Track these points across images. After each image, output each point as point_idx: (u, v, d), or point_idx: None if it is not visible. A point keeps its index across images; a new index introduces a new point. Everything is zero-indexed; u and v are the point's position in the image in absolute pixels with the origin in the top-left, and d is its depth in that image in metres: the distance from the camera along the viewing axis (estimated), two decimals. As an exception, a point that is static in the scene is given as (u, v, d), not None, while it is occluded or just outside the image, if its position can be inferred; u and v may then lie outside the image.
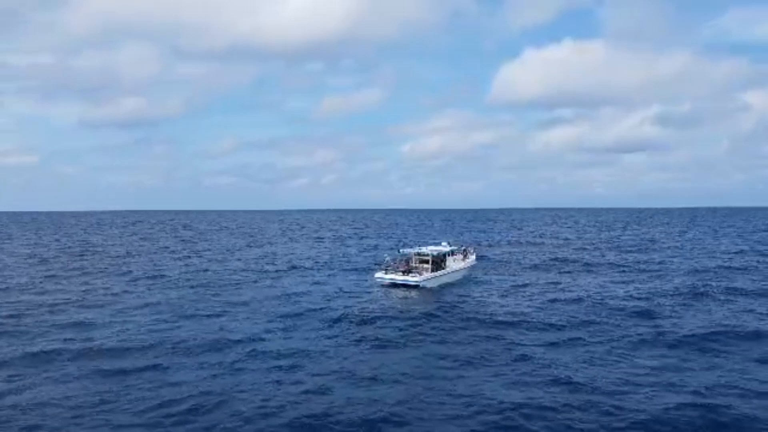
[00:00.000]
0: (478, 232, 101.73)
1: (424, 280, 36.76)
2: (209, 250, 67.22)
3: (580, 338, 22.16)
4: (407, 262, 39.40)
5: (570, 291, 33.81)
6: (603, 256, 54.41)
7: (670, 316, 25.81)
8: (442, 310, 28.84)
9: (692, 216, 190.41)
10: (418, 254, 39.51)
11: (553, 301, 30.65)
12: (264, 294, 34.53)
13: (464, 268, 41.90)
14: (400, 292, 35.08)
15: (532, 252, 59.41)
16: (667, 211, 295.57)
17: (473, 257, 44.65)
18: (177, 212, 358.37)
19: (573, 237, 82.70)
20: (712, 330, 22.35)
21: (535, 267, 46.12)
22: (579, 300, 30.50)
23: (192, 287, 37.04)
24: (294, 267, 48.95)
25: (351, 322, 26.22)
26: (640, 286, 35.35)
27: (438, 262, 38.98)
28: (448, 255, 40.52)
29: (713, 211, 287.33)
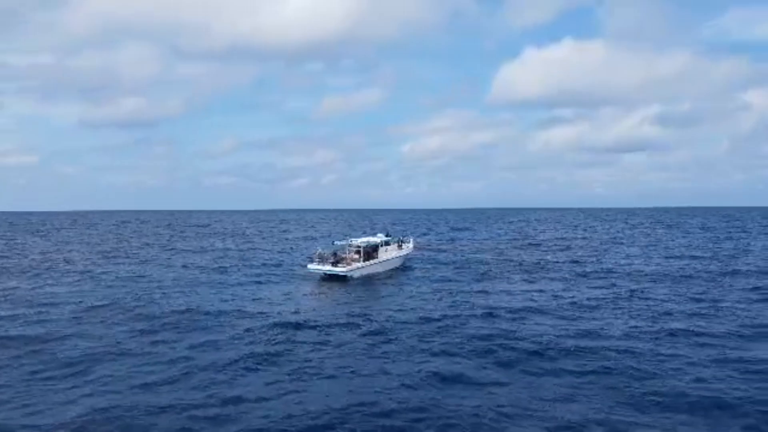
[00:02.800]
0: (458, 231, 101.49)
1: (351, 270, 37.16)
2: (171, 249, 67.03)
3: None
4: (335, 254, 39.64)
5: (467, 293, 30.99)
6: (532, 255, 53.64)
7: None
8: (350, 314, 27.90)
9: (687, 215, 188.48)
10: (350, 246, 40.07)
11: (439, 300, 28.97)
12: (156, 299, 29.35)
13: (397, 257, 42.90)
14: (324, 287, 34.52)
15: (479, 251, 58.75)
16: (666, 211, 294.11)
17: (409, 247, 45.78)
18: (178, 212, 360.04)
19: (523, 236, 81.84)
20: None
21: (460, 266, 44.02)
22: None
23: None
24: (246, 266, 48.44)
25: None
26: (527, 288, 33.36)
27: (369, 252, 39.65)
28: (381, 246, 41.14)
29: (713, 210, 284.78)
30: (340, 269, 37.01)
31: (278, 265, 44.31)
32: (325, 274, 37.34)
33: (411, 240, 48.13)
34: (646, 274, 35.70)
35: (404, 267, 42.99)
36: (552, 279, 34.99)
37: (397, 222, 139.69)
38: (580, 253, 51.34)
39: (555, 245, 61.10)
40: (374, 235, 46.22)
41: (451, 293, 30.20)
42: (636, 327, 20.74)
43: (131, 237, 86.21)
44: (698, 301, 26.38)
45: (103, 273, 39.97)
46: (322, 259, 38.79)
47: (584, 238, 72.54)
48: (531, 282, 33.83)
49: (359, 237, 44.69)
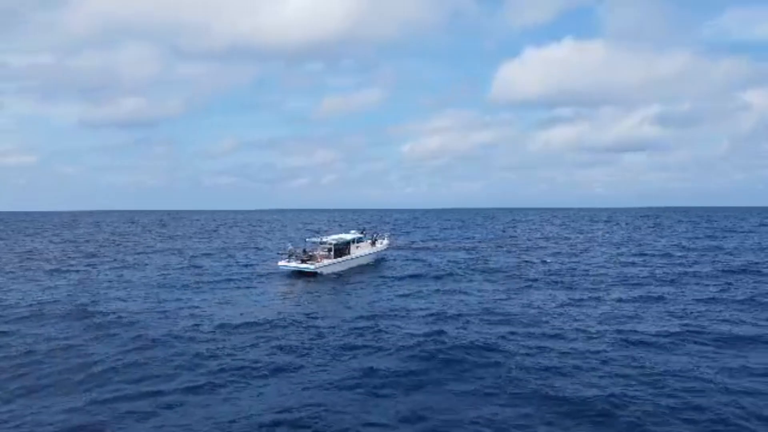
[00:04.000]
0: (447, 230, 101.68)
1: (320, 267, 37.85)
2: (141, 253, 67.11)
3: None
4: (305, 251, 40.26)
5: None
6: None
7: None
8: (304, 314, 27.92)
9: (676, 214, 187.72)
10: (322, 243, 40.91)
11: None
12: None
13: (369, 254, 43.75)
14: (289, 285, 34.77)
15: (458, 249, 58.99)
16: (664, 211, 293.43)
17: (383, 244, 46.69)
18: (178, 212, 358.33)
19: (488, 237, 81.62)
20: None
21: (431, 264, 44.02)
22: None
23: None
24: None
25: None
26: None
27: (341, 249, 40.53)
28: (352, 243, 41.90)
29: (714, 210, 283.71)
30: (308, 266, 37.51)
31: (248, 266, 44.34)
32: (294, 271, 37.80)
33: (385, 238, 48.97)
34: (607, 276, 35.53)
35: (377, 263, 43.52)
36: (513, 278, 34.87)
37: (390, 222, 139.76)
38: (552, 253, 51.40)
39: (534, 245, 61.21)
40: (348, 232, 46.69)
41: (408, 293, 30.18)
42: (583, 330, 20.82)
43: (115, 238, 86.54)
44: (643, 301, 26.51)
45: (67, 273, 40.28)
46: (293, 257, 39.41)
47: (566, 238, 72.76)
48: (492, 282, 33.76)
49: (332, 234, 45.15)
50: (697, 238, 72.14)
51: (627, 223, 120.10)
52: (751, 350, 17.33)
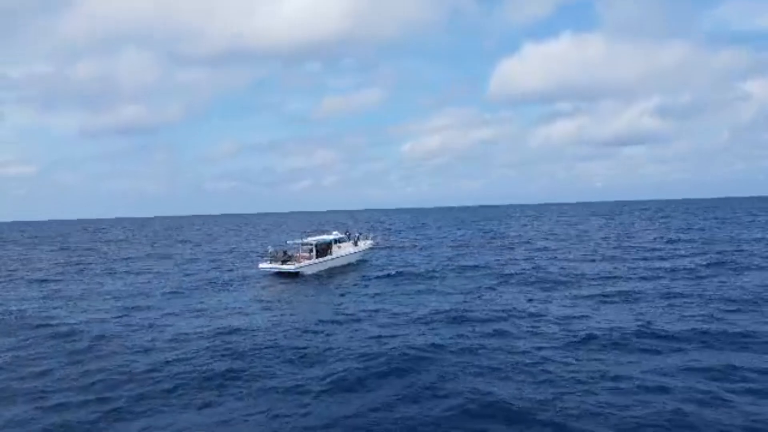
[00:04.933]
0: (436, 228, 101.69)
1: (301, 267, 38.34)
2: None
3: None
4: (285, 252, 40.83)
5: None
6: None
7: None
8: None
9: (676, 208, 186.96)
10: (303, 244, 41.49)
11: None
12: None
13: (352, 254, 44.32)
14: (267, 287, 34.87)
15: (437, 246, 58.86)
16: (667, 204, 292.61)
17: (366, 244, 47.14)
18: (180, 217, 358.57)
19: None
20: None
21: (409, 263, 44.29)
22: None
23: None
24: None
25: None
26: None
27: (323, 250, 41.18)
28: (333, 243, 42.44)
29: (715, 202, 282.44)
30: (289, 266, 37.94)
31: (231, 270, 44.37)
32: (276, 272, 38.28)
33: (369, 238, 49.58)
34: (584, 273, 35.21)
35: (360, 263, 43.86)
36: (490, 276, 34.73)
37: (384, 221, 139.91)
38: (537, 249, 51.24)
39: (521, 242, 61.03)
40: (329, 233, 46.91)
41: (381, 293, 30.13)
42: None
43: (104, 246, 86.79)
44: (607, 298, 26.32)
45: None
46: (273, 258, 39.76)
47: (555, 234, 72.60)
48: (468, 279, 33.61)
49: (315, 236, 45.38)
50: (689, 228, 72.04)
51: (623, 217, 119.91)
52: (697, 349, 17.14)
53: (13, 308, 29.04)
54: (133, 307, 28.29)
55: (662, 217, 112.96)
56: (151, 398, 14.50)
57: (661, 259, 40.82)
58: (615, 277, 32.74)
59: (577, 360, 16.06)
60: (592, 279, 32.37)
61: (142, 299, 30.85)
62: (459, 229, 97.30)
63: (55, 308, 28.69)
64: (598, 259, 42.32)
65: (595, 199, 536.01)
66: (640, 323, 20.33)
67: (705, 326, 19.50)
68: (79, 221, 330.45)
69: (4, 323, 25.15)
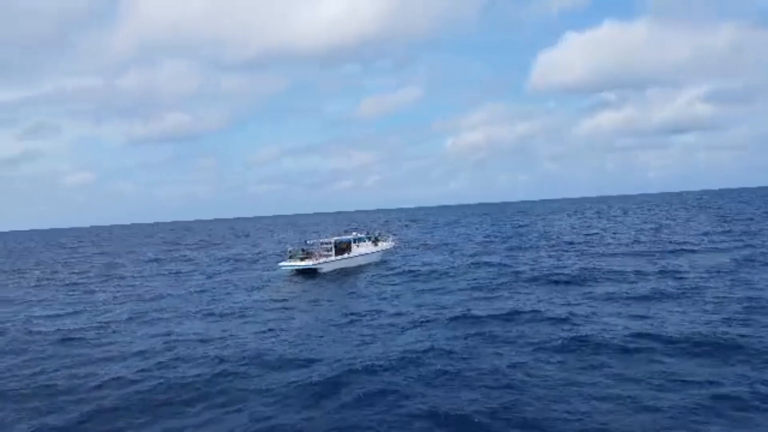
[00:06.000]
0: (467, 225, 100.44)
1: (320, 264, 39.28)
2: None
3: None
4: (303, 250, 42.15)
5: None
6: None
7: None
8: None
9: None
10: (323, 243, 42.66)
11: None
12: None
13: (372, 253, 44.84)
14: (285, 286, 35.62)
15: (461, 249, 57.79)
16: (722, 193, 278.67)
17: (386, 245, 47.57)
18: (226, 220, 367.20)
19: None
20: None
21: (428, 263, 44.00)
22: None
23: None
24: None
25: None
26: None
27: (343, 248, 42.25)
28: (353, 242, 43.48)
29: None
30: (309, 263, 39.02)
31: (255, 261, 45.57)
32: (296, 269, 39.32)
33: (390, 238, 50.23)
34: (595, 271, 33.36)
35: (380, 263, 43.99)
36: (504, 275, 33.78)
37: (418, 219, 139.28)
38: (563, 250, 49.48)
39: (536, 239, 59.08)
40: (359, 233, 48.11)
41: (391, 294, 29.93)
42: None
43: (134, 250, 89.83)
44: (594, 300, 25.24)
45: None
46: (293, 256, 40.98)
47: (577, 233, 70.25)
48: (481, 280, 32.83)
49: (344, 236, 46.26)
50: (734, 220, 68.29)
51: (669, 208, 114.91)
52: (690, 358, 16.03)
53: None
54: (144, 312, 29.01)
55: (710, 207, 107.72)
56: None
57: (692, 252, 38.84)
58: (637, 273, 31.18)
59: (558, 365, 15.37)
60: (611, 277, 30.91)
61: (154, 302, 31.65)
62: (493, 225, 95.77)
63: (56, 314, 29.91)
64: (626, 254, 40.56)
65: (646, 190, 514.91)
66: (644, 325, 19.26)
67: (707, 332, 18.10)
68: (133, 226, 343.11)
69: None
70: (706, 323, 19.08)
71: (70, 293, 37.43)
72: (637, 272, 31.51)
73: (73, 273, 51.67)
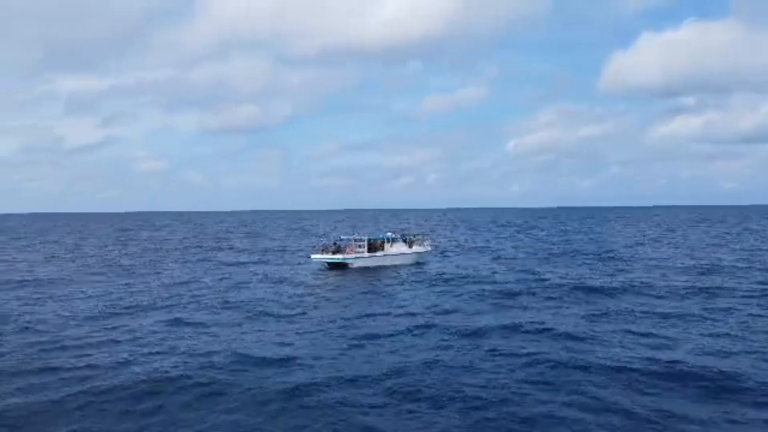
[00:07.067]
0: (521, 230, 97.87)
1: (351, 259, 40.48)
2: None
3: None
4: (335, 244, 43.39)
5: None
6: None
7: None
8: None
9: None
10: (356, 240, 43.36)
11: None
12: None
13: (405, 254, 44.66)
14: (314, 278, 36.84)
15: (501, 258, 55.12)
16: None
17: (420, 248, 46.60)
18: (292, 212, 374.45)
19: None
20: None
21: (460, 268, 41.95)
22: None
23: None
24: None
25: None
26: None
27: (376, 246, 42.70)
28: (386, 241, 43.91)
29: None
30: (338, 257, 40.32)
31: (290, 251, 46.82)
32: (328, 262, 40.74)
33: (427, 241, 49.54)
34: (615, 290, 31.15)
35: (415, 264, 43.49)
36: (513, 287, 32.16)
37: (469, 221, 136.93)
38: (582, 259, 47.03)
39: (575, 249, 56.36)
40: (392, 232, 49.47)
41: (410, 298, 29.72)
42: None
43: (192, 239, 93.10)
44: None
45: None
46: (325, 250, 42.18)
47: (622, 258, 66.47)
48: (500, 288, 31.55)
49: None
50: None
51: (743, 222, 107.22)
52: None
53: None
54: (176, 294, 29.98)
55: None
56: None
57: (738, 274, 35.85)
58: (670, 293, 28.90)
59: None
60: (638, 293, 29.10)
61: (187, 288, 32.70)
62: (543, 230, 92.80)
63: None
64: (665, 270, 38.02)
65: (724, 202, 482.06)
66: (656, 352, 17.84)
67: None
68: (201, 213, 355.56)
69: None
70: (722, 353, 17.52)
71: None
72: (674, 290, 29.40)
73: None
